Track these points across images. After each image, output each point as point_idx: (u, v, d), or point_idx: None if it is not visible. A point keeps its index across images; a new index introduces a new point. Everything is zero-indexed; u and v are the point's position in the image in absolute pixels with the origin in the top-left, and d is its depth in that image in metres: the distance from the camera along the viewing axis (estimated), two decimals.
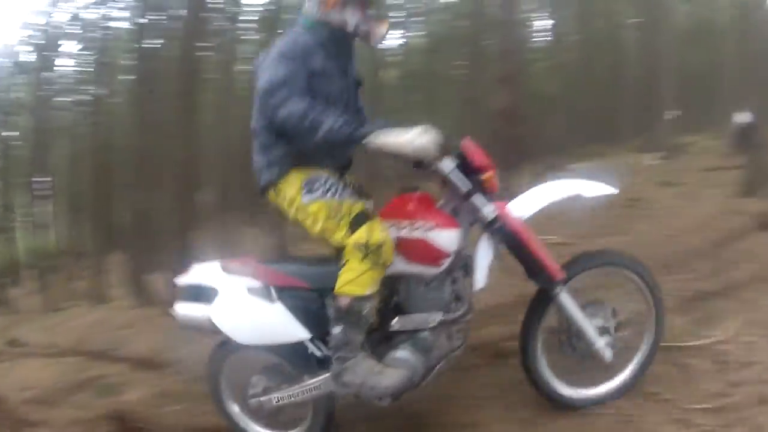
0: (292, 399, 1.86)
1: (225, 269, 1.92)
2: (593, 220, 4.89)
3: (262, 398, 1.91)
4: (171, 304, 2.05)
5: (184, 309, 1.96)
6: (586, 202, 1.80)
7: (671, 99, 11.35)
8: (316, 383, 1.81)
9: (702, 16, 19.27)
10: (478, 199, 1.69)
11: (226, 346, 1.98)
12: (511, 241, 1.69)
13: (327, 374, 1.77)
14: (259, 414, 1.99)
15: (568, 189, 1.78)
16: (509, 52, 7.07)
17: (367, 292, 1.64)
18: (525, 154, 6.82)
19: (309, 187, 1.74)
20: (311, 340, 1.82)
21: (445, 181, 1.73)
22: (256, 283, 1.85)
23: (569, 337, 1.82)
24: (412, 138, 1.56)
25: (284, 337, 1.83)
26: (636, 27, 16.93)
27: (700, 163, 8.43)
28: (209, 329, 1.86)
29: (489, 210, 1.68)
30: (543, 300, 1.79)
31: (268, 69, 1.65)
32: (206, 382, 2.12)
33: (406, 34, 19.21)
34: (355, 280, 1.63)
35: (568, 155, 11.66)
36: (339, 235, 1.71)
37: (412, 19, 19.14)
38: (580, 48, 17.92)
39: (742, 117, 7.81)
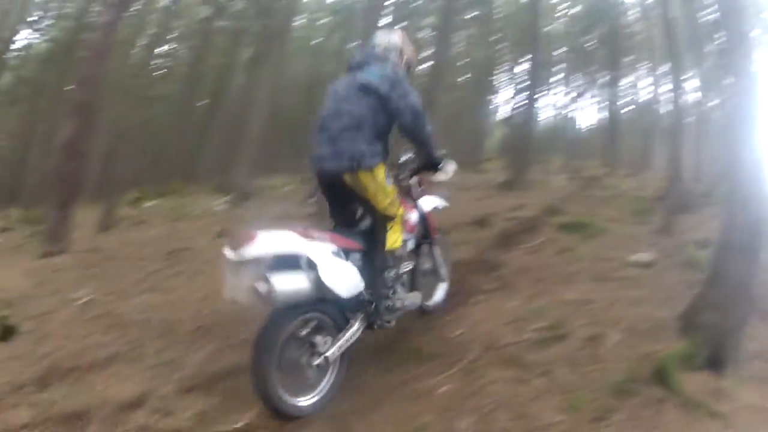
0: (348, 343, 2.56)
1: (306, 237, 2.34)
2: (131, 274, 4.70)
3: (329, 352, 2.45)
4: None
5: (282, 282, 2.14)
6: None
7: (258, 141, 11.42)
8: (360, 324, 2.68)
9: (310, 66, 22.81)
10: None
11: (281, 316, 2.26)
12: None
13: (366, 312, 2.72)
14: (296, 380, 2.38)
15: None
16: (87, 78, 6.70)
17: (402, 244, 2.88)
18: (79, 189, 6.52)
19: (389, 175, 2.75)
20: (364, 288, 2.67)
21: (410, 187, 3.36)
22: (334, 248, 2.48)
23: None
24: (454, 168, 3.12)
25: (357, 289, 2.58)
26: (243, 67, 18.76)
27: (276, 210, 8.13)
28: (305, 295, 2.27)
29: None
30: None
31: (409, 93, 2.65)
32: (259, 352, 2.21)
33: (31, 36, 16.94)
34: (398, 239, 2.80)
35: (142, 191, 11.65)
36: (394, 210, 2.76)
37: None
38: (184, 82, 18.50)
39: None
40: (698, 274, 4.54)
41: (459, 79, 23.92)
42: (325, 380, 2.50)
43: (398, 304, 2.87)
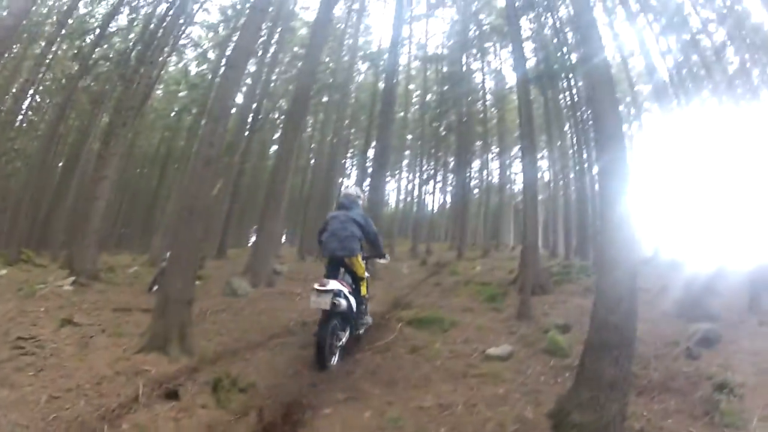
0: (346, 339, 5.00)
1: (342, 283, 4.97)
2: None
3: (342, 339, 4.90)
4: None
5: (340, 301, 4.72)
6: None
7: (104, 214, 11.06)
8: (349, 330, 5.09)
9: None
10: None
11: (330, 319, 4.67)
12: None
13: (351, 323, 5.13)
14: (330, 350, 4.65)
15: None
16: None
17: (366, 293, 5.62)
18: None
19: (363, 259, 5.46)
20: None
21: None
22: (347, 289, 5.00)
23: None
24: (389, 259, 6.90)
25: (353, 310, 5.10)
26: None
27: (119, 297, 7.74)
28: (344, 308, 4.81)
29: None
30: None
31: (371, 225, 5.48)
32: (322, 333, 4.56)
33: None
34: (365, 290, 5.51)
35: None
36: (363, 275, 5.39)
37: None
38: (44, 139, 16.84)
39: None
40: (562, 360, 4.58)
41: (310, 162, 24.08)
42: (337, 354, 4.83)
43: (364, 320, 5.53)
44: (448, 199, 28.49)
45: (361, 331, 5.44)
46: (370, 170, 22.07)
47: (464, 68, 21.67)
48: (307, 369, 4.56)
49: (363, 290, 5.40)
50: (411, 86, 25.31)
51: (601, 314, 3.18)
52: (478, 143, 23.53)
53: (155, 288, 8.01)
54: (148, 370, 4.04)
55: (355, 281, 5.32)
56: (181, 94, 20.88)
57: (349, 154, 26.31)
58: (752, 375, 4.13)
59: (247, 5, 15.77)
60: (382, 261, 6.18)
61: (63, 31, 13.84)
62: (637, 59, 17.46)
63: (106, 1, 15.06)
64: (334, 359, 4.75)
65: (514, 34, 10.01)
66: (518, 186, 29.19)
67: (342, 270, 5.28)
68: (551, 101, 17.04)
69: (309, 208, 20.19)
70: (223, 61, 16.82)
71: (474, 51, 21.59)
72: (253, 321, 6.51)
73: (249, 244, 20.44)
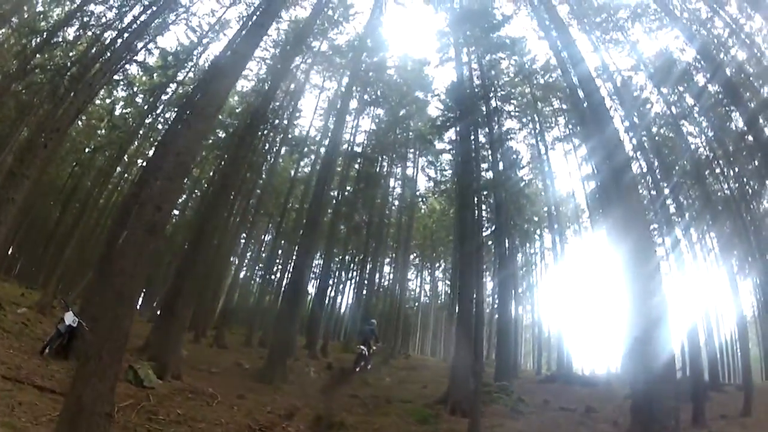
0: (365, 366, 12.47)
1: (366, 344, 12.52)
2: None
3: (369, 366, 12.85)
4: None
5: (365, 351, 12.24)
6: None
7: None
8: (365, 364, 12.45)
9: None
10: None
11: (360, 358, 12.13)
12: None
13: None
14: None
15: None
16: None
17: (372, 351, 13.10)
18: None
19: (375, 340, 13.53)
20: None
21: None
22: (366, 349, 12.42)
23: None
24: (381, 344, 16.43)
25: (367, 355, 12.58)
26: None
27: (7, 354, 6.54)
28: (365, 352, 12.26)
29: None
30: None
31: (376, 332, 13.58)
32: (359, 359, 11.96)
33: None
34: (372, 350, 13.01)
35: None
36: (374, 345, 13.18)
37: None
38: None
39: (68, 318, 7.12)
40: None
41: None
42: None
43: (370, 362, 12.82)
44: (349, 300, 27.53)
45: (369, 367, 12.48)
46: None
47: (379, 169, 22.42)
48: None
49: (371, 350, 12.31)
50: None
51: None
52: (374, 246, 23.30)
53: (47, 351, 7.11)
54: None
55: (369, 346, 12.16)
56: (100, 132, 19.26)
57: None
58: None
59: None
60: (377, 344, 13.23)
61: (15, 20, 12.53)
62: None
63: (61, 8, 13.88)
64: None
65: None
66: (413, 292, 29.48)
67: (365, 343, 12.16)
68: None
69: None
70: (147, 108, 15.62)
71: (392, 155, 22.51)
72: None
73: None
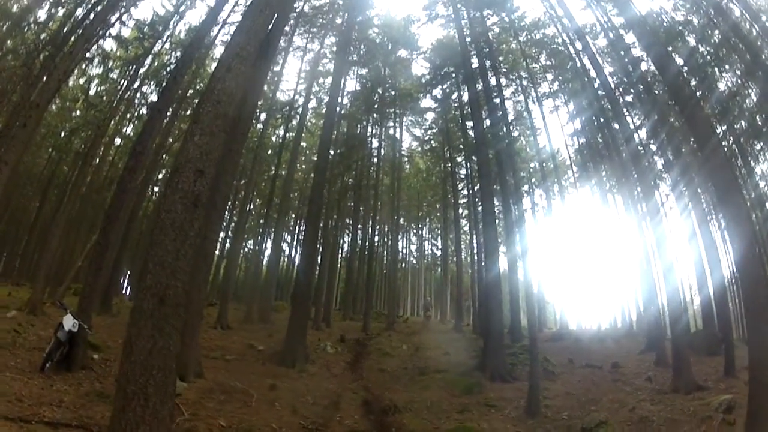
0: None
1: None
2: None
3: None
4: None
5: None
6: None
7: None
8: None
9: None
10: None
11: None
12: None
13: None
14: None
15: None
16: None
17: None
18: None
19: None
20: None
21: None
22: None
23: None
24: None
25: None
26: None
27: (4, 380, 5.55)
28: None
29: None
30: None
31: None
32: None
33: None
34: None
35: None
36: None
37: None
38: None
39: (68, 322, 6.37)
40: None
41: None
42: None
43: None
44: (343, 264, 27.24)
45: None
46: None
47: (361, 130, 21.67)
48: None
49: None
50: (303, 144, 23.91)
51: None
52: (362, 209, 22.86)
53: (48, 365, 6.14)
54: None
55: None
56: (76, 113, 17.61)
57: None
58: None
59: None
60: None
61: None
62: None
63: None
64: None
65: None
66: (401, 253, 29.46)
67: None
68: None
69: None
70: (125, 83, 14.36)
71: (375, 115, 21.71)
72: None
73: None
